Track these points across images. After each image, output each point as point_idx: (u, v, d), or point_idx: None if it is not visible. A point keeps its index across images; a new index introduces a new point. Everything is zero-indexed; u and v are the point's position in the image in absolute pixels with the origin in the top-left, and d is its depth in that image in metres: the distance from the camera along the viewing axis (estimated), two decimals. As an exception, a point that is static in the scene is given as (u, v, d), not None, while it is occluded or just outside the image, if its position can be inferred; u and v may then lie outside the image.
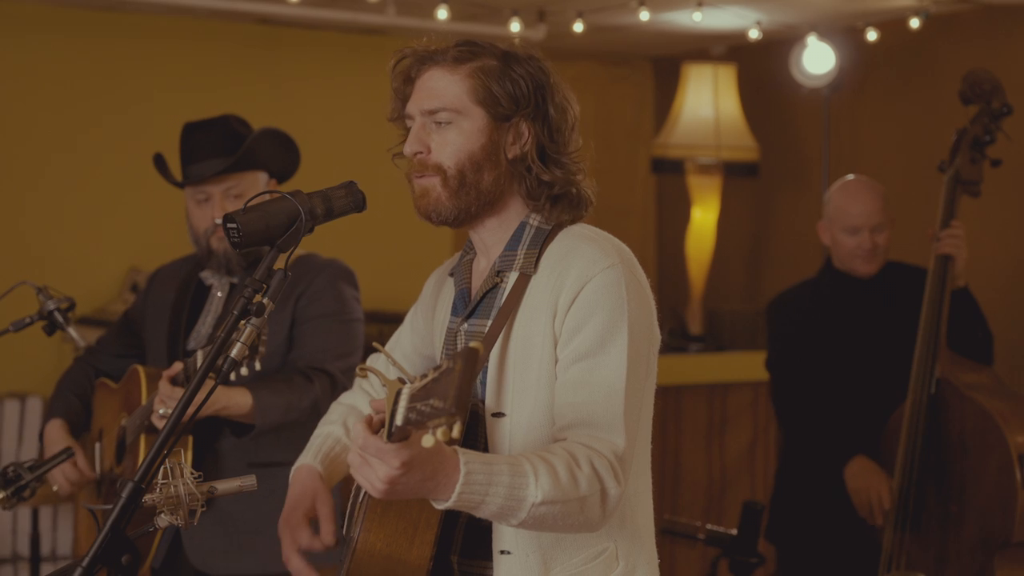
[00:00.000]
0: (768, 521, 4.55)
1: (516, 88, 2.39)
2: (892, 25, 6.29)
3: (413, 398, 1.87)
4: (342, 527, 2.65)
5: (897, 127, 6.64)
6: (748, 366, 6.32)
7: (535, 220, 2.43)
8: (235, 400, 3.34)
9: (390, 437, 1.94)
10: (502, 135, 2.40)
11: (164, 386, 3.26)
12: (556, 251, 2.39)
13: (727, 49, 7.18)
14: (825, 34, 6.36)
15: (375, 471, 2.01)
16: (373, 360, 2.87)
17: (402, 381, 1.95)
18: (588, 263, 2.32)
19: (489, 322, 2.41)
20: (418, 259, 6.86)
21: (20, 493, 3.38)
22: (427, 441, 1.84)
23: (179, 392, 3.24)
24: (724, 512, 6.25)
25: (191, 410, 2.27)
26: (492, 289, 2.44)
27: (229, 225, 2.28)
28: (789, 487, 4.57)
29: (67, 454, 3.50)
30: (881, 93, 6.70)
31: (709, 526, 4.17)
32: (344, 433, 2.72)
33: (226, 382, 3.09)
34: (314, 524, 2.62)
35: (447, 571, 2.39)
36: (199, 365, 3.17)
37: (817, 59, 6.39)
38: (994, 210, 5.46)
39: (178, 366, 3.27)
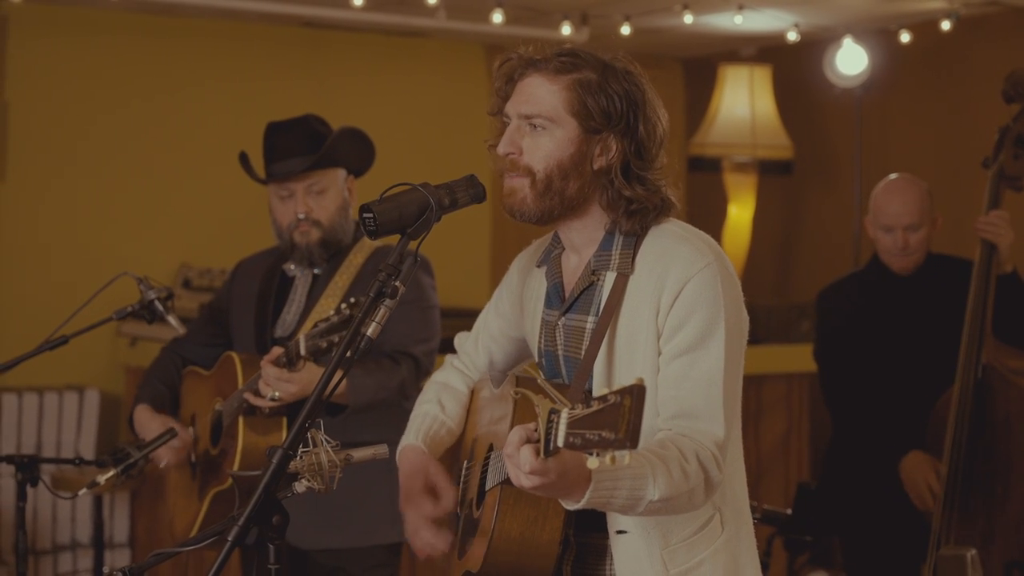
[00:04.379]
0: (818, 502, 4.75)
1: (610, 104, 2.53)
2: (924, 27, 6.47)
3: (574, 424, 2.05)
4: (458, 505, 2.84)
5: (927, 126, 6.82)
6: (782, 359, 6.50)
7: (623, 228, 2.58)
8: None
9: (547, 454, 2.13)
10: (591, 147, 2.55)
11: (270, 369, 3.46)
12: (652, 251, 2.55)
13: (757, 50, 7.37)
14: (859, 36, 6.55)
15: (529, 480, 2.19)
16: (460, 342, 3.05)
17: (553, 401, 2.13)
18: (686, 263, 2.48)
19: (589, 318, 2.58)
20: (454, 257, 7.04)
21: (129, 471, 3.55)
22: (592, 463, 2.02)
23: (286, 374, 3.45)
24: (760, 498, 6.42)
25: (329, 387, 2.43)
26: (589, 287, 2.60)
27: (365, 215, 2.46)
28: (838, 470, 4.77)
29: (171, 434, 3.68)
30: (912, 93, 6.88)
31: (765, 506, 4.34)
32: (440, 411, 2.89)
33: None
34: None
35: (565, 545, 2.57)
36: (301, 349, 3.37)
37: (850, 60, 6.58)
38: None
39: (278, 350, 3.47)
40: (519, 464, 2.17)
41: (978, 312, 4.30)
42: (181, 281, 6.66)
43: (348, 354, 2.43)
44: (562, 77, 2.55)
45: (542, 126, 2.55)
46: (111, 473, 3.52)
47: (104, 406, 6.43)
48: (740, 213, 7.06)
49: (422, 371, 3.79)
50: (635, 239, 2.57)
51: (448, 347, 3.88)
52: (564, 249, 2.70)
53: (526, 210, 2.57)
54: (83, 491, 3.51)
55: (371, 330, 2.44)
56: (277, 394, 3.49)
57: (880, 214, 4.60)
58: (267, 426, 3.62)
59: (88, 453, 6.27)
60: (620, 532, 2.53)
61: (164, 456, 3.82)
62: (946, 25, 6.24)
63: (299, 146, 3.84)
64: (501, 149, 2.60)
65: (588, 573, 2.60)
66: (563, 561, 2.56)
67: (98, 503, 5.74)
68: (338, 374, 2.42)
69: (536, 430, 2.16)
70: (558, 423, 2.09)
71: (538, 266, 2.77)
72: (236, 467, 3.60)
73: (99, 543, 5.73)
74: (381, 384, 3.65)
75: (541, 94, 2.55)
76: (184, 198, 6.76)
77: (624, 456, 2.00)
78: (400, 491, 2.80)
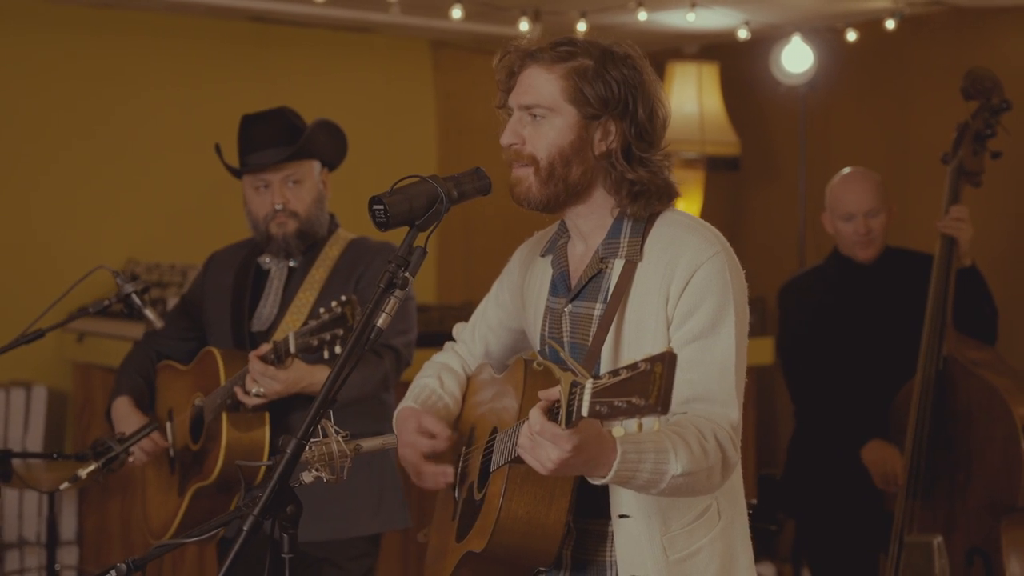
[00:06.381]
0: (782, 492, 4.83)
1: (608, 90, 2.58)
2: (869, 26, 6.58)
3: (600, 393, 2.08)
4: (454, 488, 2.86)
5: (871, 124, 6.93)
6: (729, 353, 6.56)
7: (629, 211, 2.62)
8: (318, 377, 3.56)
9: (568, 425, 2.16)
10: (591, 132, 2.59)
11: (257, 365, 3.46)
12: (660, 239, 2.59)
13: (700, 48, 7.44)
14: (807, 34, 6.64)
15: (548, 453, 2.22)
16: (457, 331, 3.08)
17: (575, 374, 2.15)
18: (695, 252, 2.53)
19: (597, 305, 2.62)
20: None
21: (110, 464, 3.53)
22: (618, 431, 2.08)
23: (271, 371, 3.45)
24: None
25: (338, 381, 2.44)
26: (597, 274, 2.64)
27: (376, 207, 2.47)
28: (802, 460, 4.85)
29: (152, 427, 3.67)
30: (857, 91, 6.99)
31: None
32: (439, 385, 2.93)
33: (326, 358, 3.30)
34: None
35: (565, 530, 2.59)
36: (291, 347, 3.37)
37: (796, 58, 6.67)
38: (993, 199, 5.71)
39: (266, 347, 3.47)
40: (540, 432, 2.20)
41: (939, 305, 4.40)
42: (128, 276, 6.61)
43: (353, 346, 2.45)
44: (559, 66, 2.60)
45: (542, 115, 2.60)
46: (93, 467, 3.50)
47: (52, 402, 6.38)
48: (687, 209, 7.10)
49: (402, 363, 3.82)
50: (643, 226, 2.61)
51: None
52: (570, 238, 2.74)
53: (532, 197, 2.62)
54: (64, 485, 3.48)
55: (381, 320, 2.46)
56: (261, 390, 3.49)
57: (839, 204, 4.70)
58: (250, 422, 3.62)
59: (36, 450, 6.20)
60: (623, 516, 2.56)
61: (135, 455, 3.79)
62: (890, 24, 6.34)
63: (276, 137, 3.84)
64: (504, 140, 2.64)
65: (588, 558, 2.63)
66: (563, 546, 2.59)
67: (51, 500, 5.68)
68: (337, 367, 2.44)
69: (556, 405, 2.19)
70: (581, 394, 2.12)
71: (542, 256, 2.81)
72: (220, 463, 3.59)
73: (52, 540, 5.68)
74: (366, 378, 3.67)
75: (539, 84, 2.60)
76: (131, 193, 6.71)
77: (653, 423, 2.03)
78: (399, 441, 2.83)
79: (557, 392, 2.19)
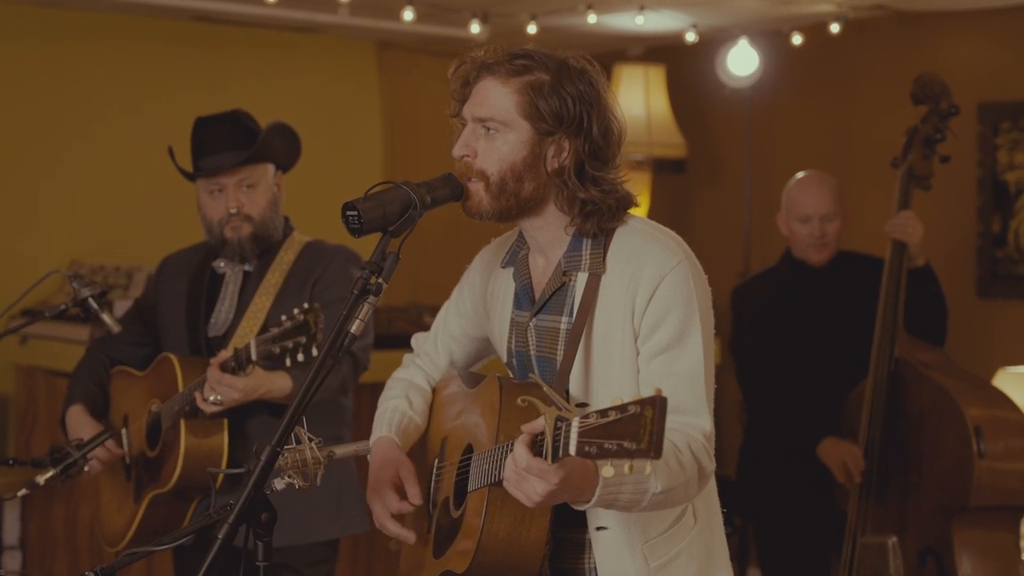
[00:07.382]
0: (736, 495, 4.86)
1: (563, 106, 2.56)
2: (814, 29, 6.63)
3: (588, 433, 2.08)
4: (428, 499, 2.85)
5: (815, 126, 6.99)
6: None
7: (582, 230, 2.60)
8: (277, 384, 3.54)
9: (554, 460, 2.16)
10: (545, 148, 2.58)
11: (215, 373, 3.43)
12: (622, 250, 2.59)
13: (644, 50, 7.47)
14: (754, 37, 6.69)
15: (535, 487, 2.23)
16: (418, 342, 3.06)
17: (559, 408, 2.16)
18: (659, 263, 2.53)
19: (563, 318, 2.62)
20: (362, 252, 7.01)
21: (68, 471, 3.50)
22: (607, 471, 2.06)
23: (228, 379, 3.43)
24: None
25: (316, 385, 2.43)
26: (560, 288, 2.63)
27: (349, 212, 2.46)
28: (755, 462, 4.89)
29: (109, 434, 3.63)
30: (801, 94, 7.05)
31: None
32: (408, 406, 2.90)
33: (288, 366, 3.28)
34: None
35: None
36: (252, 354, 3.35)
37: (742, 61, 6.71)
38: (942, 202, 5.76)
39: (225, 354, 3.45)
40: (527, 468, 2.20)
41: (890, 308, 4.45)
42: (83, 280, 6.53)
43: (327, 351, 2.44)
44: (515, 80, 2.58)
45: (496, 129, 2.58)
46: (51, 473, 3.46)
47: (-7, 406, 6.31)
48: (635, 211, 7.15)
49: (360, 368, 3.80)
50: (604, 238, 2.60)
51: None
52: (529, 249, 2.73)
53: (483, 211, 2.61)
54: (22, 492, 3.44)
55: (355, 327, 2.44)
56: (219, 398, 3.47)
57: (796, 206, 4.74)
58: (208, 429, 3.60)
59: (-23, 455, 6.14)
60: (600, 528, 2.57)
61: (90, 464, 3.75)
62: (835, 28, 6.40)
63: (230, 141, 3.81)
64: (456, 152, 2.62)
65: (567, 567, 2.63)
66: (543, 562, 2.59)
67: (-1, 507, 5.63)
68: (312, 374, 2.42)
69: (540, 438, 2.19)
70: (567, 431, 2.12)
71: (503, 267, 2.79)
72: (178, 470, 3.57)
73: (-2, 546, 5.62)
74: (326, 384, 3.62)
75: (494, 97, 2.59)
76: (75, 194, 6.63)
77: (645, 465, 2.04)
78: (368, 481, 2.80)
79: (541, 424, 2.19)
